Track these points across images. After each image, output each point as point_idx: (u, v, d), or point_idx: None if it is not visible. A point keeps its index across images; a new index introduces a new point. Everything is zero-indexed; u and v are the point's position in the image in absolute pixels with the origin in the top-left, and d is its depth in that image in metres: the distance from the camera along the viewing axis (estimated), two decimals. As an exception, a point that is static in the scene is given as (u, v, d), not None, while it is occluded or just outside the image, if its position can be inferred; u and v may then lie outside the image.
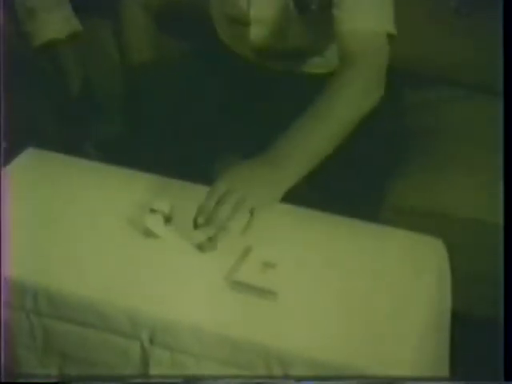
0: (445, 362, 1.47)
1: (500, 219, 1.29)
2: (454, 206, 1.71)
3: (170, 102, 1.71)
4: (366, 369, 1.17)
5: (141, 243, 1.36)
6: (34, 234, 1.37)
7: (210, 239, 1.33)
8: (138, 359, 1.25)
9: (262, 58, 1.69)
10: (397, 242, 1.41)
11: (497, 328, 1.26)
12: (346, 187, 1.55)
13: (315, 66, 1.69)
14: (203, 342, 1.22)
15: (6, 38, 1.73)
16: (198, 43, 1.87)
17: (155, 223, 1.36)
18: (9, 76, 1.53)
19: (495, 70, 1.33)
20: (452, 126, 1.88)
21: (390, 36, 1.50)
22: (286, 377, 1.19)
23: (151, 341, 1.24)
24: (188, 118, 1.70)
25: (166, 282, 1.29)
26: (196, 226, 1.32)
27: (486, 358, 1.27)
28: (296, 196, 1.39)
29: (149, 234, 1.36)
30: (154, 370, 1.24)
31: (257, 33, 1.65)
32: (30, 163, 1.55)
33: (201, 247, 1.34)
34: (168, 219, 1.38)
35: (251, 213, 1.30)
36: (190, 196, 1.37)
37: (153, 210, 1.37)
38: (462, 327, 1.50)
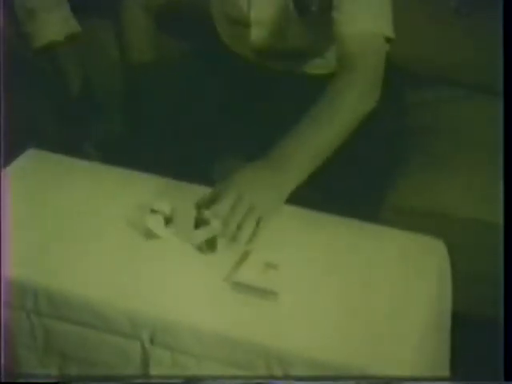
0: (445, 362, 1.47)
1: (500, 219, 1.29)
2: (454, 206, 1.71)
3: (169, 102, 1.71)
4: (365, 369, 1.17)
5: (141, 243, 1.36)
6: (34, 234, 1.37)
7: (210, 241, 1.33)
8: (138, 359, 1.25)
9: (262, 58, 1.69)
10: (397, 242, 1.41)
11: (497, 328, 1.26)
12: (346, 187, 1.56)
13: (315, 66, 1.69)
14: (204, 342, 1.22)
15: (6, 39, 1.74)
16: (198, 43, 1.87)
17: (156, 224, 1.36)
18: (9, 76, 1.53)
19: (495, 70, 1.33)
20: (452, 125, 1.88)
21: (387, 39, 1.51)
22: (286, 377, 1.20)
23: (152, 341, 1.24)
24: (188, 118, 1.70)
25: (166, 282, 1.29)
26: (197, 226, 1.33)
27: (486, 358, 1.27)
28: (296, 196, 1.39)
29: (149, 234, 1.36)
30: (154, 370, 1.24)
31: (257, 34, 1.65)
32: (30, 164, 1.55)
33: (201, 248, 1.34)
34: (168, 220, 1.38)
35: (257, 222, 1.31)
36: (191, 197, 1.37)
37: (153, 211, 1.37)
38: (462, 327, 1.50)
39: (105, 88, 1.93)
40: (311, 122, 1.41)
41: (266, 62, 1.70)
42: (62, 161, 1.56)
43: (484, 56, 1.81)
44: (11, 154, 1.52)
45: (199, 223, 1.34)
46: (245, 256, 1.33)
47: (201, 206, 1.34)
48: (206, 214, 1.32)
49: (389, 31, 1.51)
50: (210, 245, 1.34)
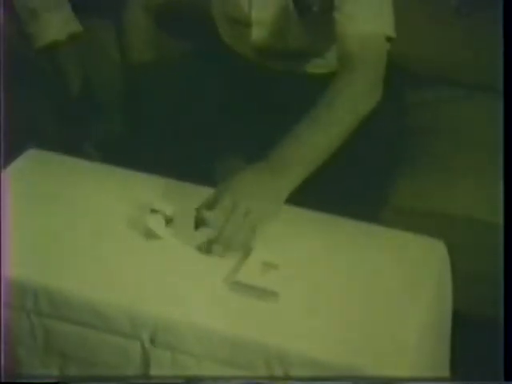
0: (445, 362, 1.47)
1: (500, 219, 1.29)
2: (454, 206, 1.71)
3: (169, 102, 1.71)
4: (365, 369, 1.17)
5: (141, 243, 1.36)
6: (34, 234, 1.37)
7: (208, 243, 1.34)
8: (138, 359, 1.25)
9: (262, 57, 1.69)
10: (397, 242, 1.41)
11: (497, 328, 1.26)
12: (346, 187, 1.55)
13: (316, 66, 1.69)
14: (204, 342, 1.22)
15: (6, 38, 1.74)
16: (198, 43, 1.87)
17: (156, 224, 1.36)
18: (9, 76, 1.53)
19: (495, 70, 1.33)
20: (452, 125, 1.88)
21: (389, 39, 1.51)
22: (287, 377, 1.20)
23: (152, 341, 1.24)
24: (188, 118, 1.70)
25: (167, 282, 1.29)
26: (197, 226, 1.34)
27: (486, 357, 1.27)
28: (297, 197, 1.39)
29: (150, 234, 1.36)
30: (154, 371, 1.24)
31: (258, 33, 1.65)
32: (30, 164, 1.55)
33: (200, 248, 1.34)
34: (169, 220, 1.38)
35: (253, 227, 1.31)
36: (191, 197, 1.37)
37: (154, 211, 1.37)
38: (462, 327, 1.50)
39: (105, 88, 1.93)
40: (311, 122, 1.41)
41: (266, 62, 1.70)
42: (62, 161, 1.56)
43: (484, 56, 1.82)
44: (11, 154, 1.52)
45: (199, 224, 1.34)
46: (245, 255, 1.33)
47: (200, 208, 1.34)
48: (205, 215, 1.33)
49: (390, 31, 1.51)
50: (207, 247, 1.34)
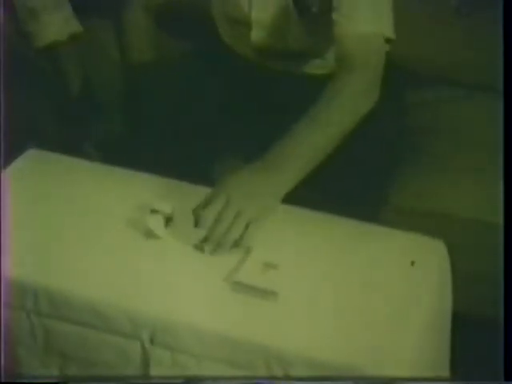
0: (445, 362, 1.47)
1: (500, 219, 1.29)
2: (454, 206, 1.71)
3: (169, 102, 1.71)
4: (365, 369, 1.17)
5: (141, 243, 1.36)
6: (34, 234, 1.37)
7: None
8: (138, 359, 1.25)
9: (262, 58, 1.69)
10: (397, 242, 1.41)
11: (497, 328, 1.26)
12: (346, 187, 1.56)
13: (316, 66, 1.69)
14: (204, 342, 1.22)
15: (6, 38, 1.74)
16: (198, 43, 1.87)
17: (156, 224, 1.36)
18: (9, 76, 1.53)
19: (495, 70, 1.33)
20: (452, 125, 1.88)
21: (388, 40, 1.51)
22: (287, 377, 1.19)
23: (152, 341, 1.24)
24: (188, 117, 1.70)
25: (166, 282, 1.29)
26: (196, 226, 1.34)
27: (486, 357, 1.27)
28: (296, 196, 1.39)
29: (149, 234, 1.36)
30: (154, 370, 1.24)
31: (258, 34, 1.65)
32: (30, 164, 1.55)
33: (197, 247, 1.35)
34: (169, 220, 1.38)
35: (247, 227, 1.31)
36: (191, 197, 1.37)
37: (154, 211, 1.37)
38: (462, 327, 1.50)
39: (105, 88, 1.93)
40: (309, 122, 1.41)
41: (266, 62, 1.70)
42: (62, 161, 1.56)
43: (484, 56, 1.81)
44: (11, 154, 1.52)
45: (196, 224, 1.35)
46: (245, 255, 1.33)
47: (197, 208, 1.34)
48: (199, 215, 1.33)
49: (389, 32, 1.51)
50: (200, 245, 1.34)
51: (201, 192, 1.37)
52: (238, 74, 1.73)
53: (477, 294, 1.66)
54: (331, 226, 1.43)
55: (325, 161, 1.41)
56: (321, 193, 1.51)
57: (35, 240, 1.36)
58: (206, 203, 1.34)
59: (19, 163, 1.54)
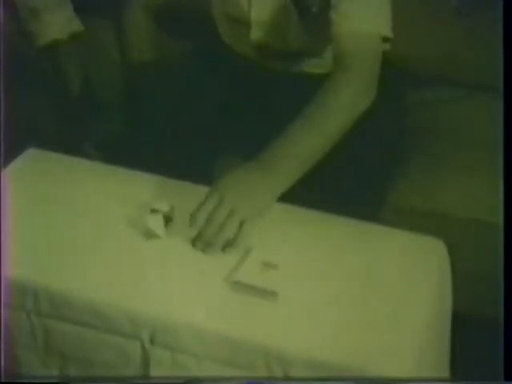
0: (445, 362, 1.47)
1: (500, 219, 1.29)
2: (454, 205, 1.71)
3: (170, 101, 1.71)
4: (365, 369, 1.17)
5: (141, 243, 1.36)
6: (34, 234, 1.37)
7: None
8: (138, 359, 1.25)
9: (262, 57, 1.69)
10: (397, 242, 1.41)
11: (497, 328, 1.26)
12: (346, 187, 1.55)
13: (316, 66, 1.69)
14: (204, 342, 1.22)
15: (7, 37, 1.74)
16: (198, 43, 1.87)
17: (156, 223, 1.36)
18: (9, 76, 1.53)
19: (495, 70, 1.33)
20: (452, 125, 1.88)
21: (386, 39, 1.51)
22: (287, 377, 1.19)
23: (152, 341, 1.24)
24: (188, 117, 1.70)
25: (166, 282, 1.29)
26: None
27: (486, 357, 1.27)
28: (296, 196, 1.39)
29: (149, 234, 1.36)
30: (154, 371, 1.24)
31: (257, 34, 1.65)
32: (30, 163, 1.55)
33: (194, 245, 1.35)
34: (168, 219, 1.38)
35: (241, 225, 1.31)
36: (191, 196, 1.37)
37: (153, 210, 1.37)
38: (462, 327, 1.50)
39: (105, 88, 1.93)
40: (305, 121, 1.41)
41: (266, 62, 1.70)
42: (62, 160, 1.56)
43: (484, 56, 1.81)
44: (11, 154, 1.52)
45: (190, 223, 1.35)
46: (245, 255, 1.33)
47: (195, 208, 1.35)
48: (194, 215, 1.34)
49: (386, 31, 1.50)
50: (193, 243, 1.35)
51: (201, 192, 1.37)
52: (237, 74, 1.73)
53: (477, 294, 1.66)
54: (331, 226, 1.43)
55: (325, 160, 1.41)
56: (321, 192, 1.51)
57: (35, 240, 1.36)
58: (201, 203, 1.34)
59: (19, 163, 1.54)
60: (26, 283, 1.29)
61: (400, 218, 1.65)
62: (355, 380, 1.17)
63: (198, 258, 1.33)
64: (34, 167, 1.54)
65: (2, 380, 1.28)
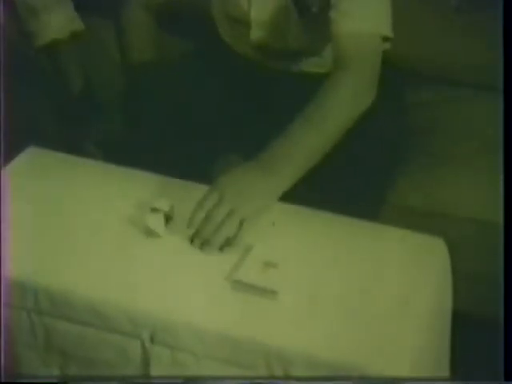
0: (445, 362, 1.47)
1: (500, 219, 1.29)
2: (454, 205, 1.71)
3: (170, 102, 1.71)
4: (366, 369, 1.17)
5: (141, 242, 1.36)
6: (34, 234, 1.37)
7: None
8: (138, 358, 1.25)
9: (263, 57, 1.69)
10: (397, 241, 1.41)
11: (497, 328, 1.26)
12: (346, 186, 1.55)
13: (316, 66, 1.69)
14: (204, 341, 1.22)
15: (6, 37, 1.73)
16: (198, 43, 1.87)
17: (156, 222, 1.36)
18: (9, 75, 1.53)
19: (495, 70, 1.33)
20: (452, 125, 1.88)
21: (386, 38, 1.51)
22: (287, 377, 1.19)
23: (152, 340, 1.24)
24: (188, 117, 1.70)
25: (166, 281, 1.29)
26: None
27: (486, 358, 1.27)
28: (296, 195, 1.39)
29: (149, 233, 1.36)
30: (154, 370, 1.24)
31: (257, 33, 1.65)
32: (30, 162, 1.55)
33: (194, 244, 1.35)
34: (169, 218, 1.38)
35: (241, 224, 1.31)
36: (191, 195, 1.37)
37: (154, 210, 1.37)
38: (462, 327, 1.50)
39: (105, 88, 1.93)
40: (303, 121, 1.42)
41: (266, 62, 1.70)
42: (62, 159, 1.56)
43: (484, 56, 1.81)
44: (11, 154, 1.52)
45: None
46: (245, 254, 1.33)
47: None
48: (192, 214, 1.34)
49: (386, 30, 1.50)
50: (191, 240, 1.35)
51: (202, 191, 1.37)
52: (238, 74, 1.73)
53: (477, 294, 1.66)
54: (331, 225, 1.43)
55: (325, 160, 1.41)
56: (321, 192, 1.51)
57: (35, 240, 1.36)
58: (201, 201, 1.34)
59: (19, 162, 1.54)
60: (26, 282, 1.29)
61: (400, 217, 1.65)
62: (355, 380, 1.17)
63: (197, 257, 1.33)
64: (34, 166, 1.54)
65: (3, 379, 1.28)
